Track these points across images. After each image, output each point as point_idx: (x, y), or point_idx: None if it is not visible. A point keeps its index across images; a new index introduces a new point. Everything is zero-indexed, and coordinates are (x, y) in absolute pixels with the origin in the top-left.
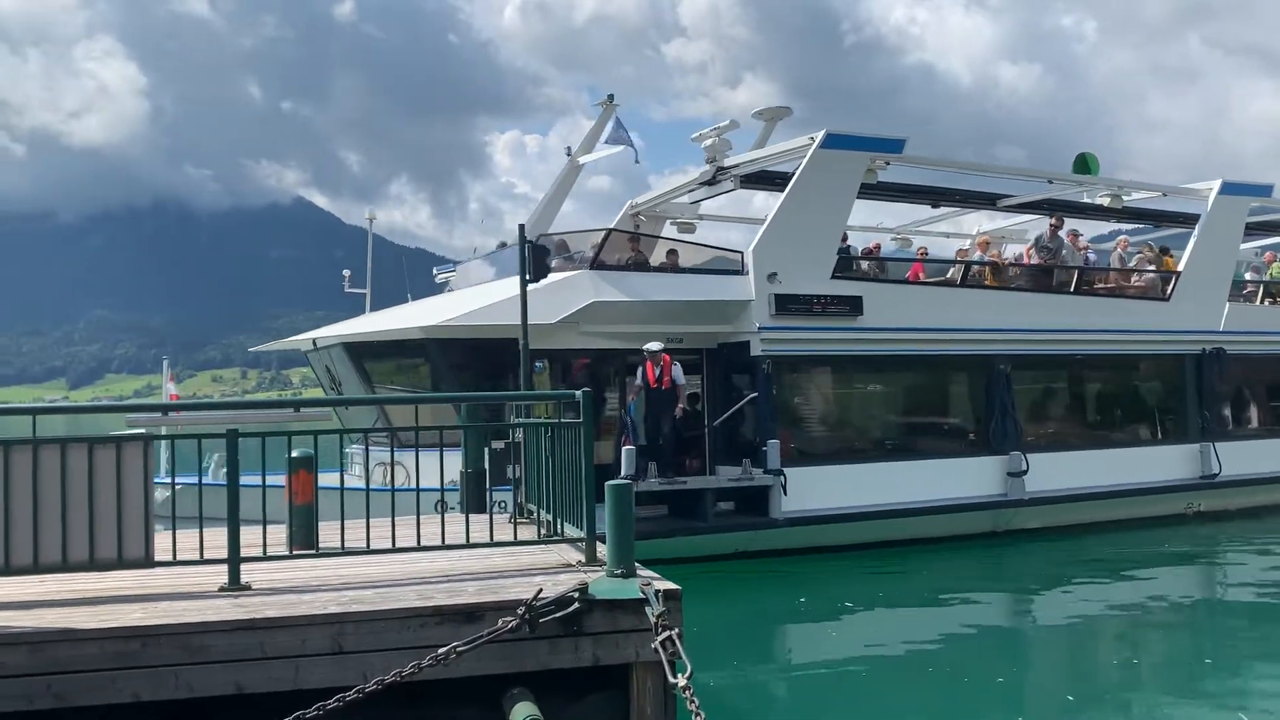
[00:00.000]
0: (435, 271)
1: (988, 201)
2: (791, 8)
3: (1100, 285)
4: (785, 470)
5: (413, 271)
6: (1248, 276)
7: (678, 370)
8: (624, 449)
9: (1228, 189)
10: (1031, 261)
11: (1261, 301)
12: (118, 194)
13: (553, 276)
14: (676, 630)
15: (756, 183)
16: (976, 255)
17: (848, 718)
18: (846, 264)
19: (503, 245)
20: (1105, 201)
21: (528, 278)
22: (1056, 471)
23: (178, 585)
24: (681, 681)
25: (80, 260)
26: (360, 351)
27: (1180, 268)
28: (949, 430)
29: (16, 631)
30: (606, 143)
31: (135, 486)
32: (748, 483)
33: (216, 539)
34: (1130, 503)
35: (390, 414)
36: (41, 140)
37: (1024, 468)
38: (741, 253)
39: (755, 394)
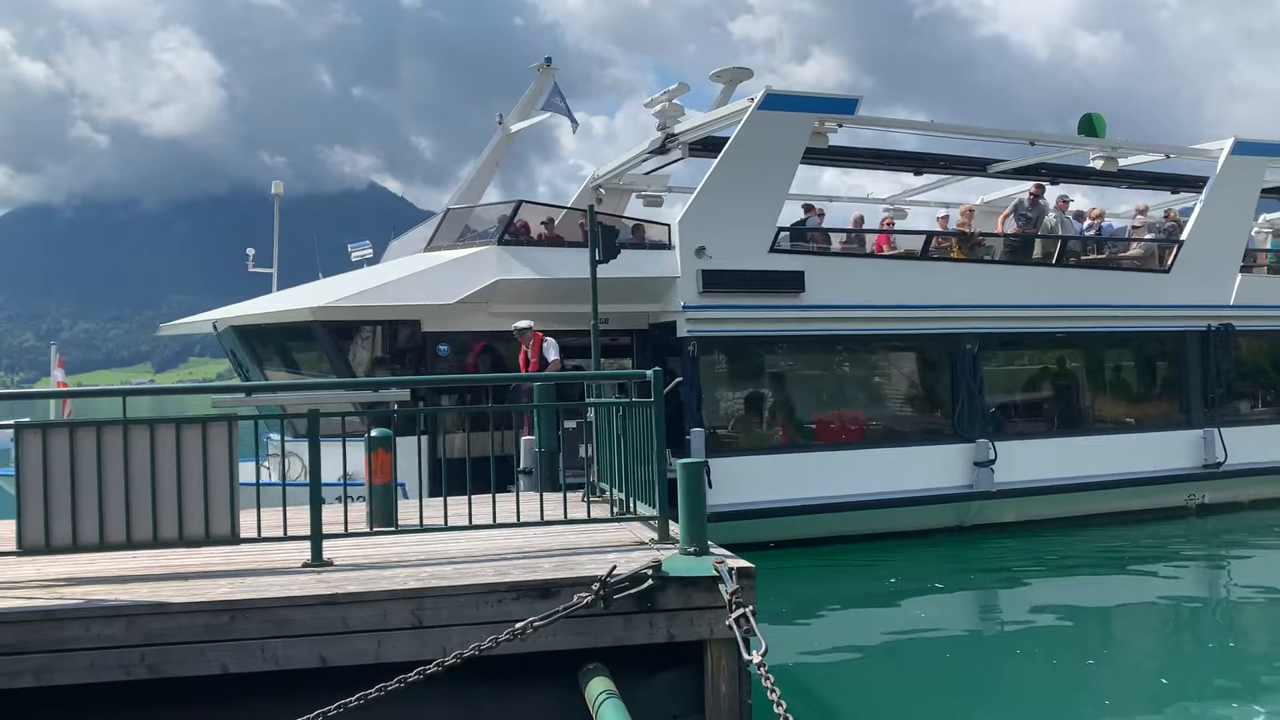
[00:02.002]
0: (350, 249)
1: (978, 167)
2: None
3: (1089, 256)
4: (710, 460)
5: None
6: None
7: (547, 346)
8: (523, 439)
9: (1240, 148)
10: (1007, 230)
11: None
12: (198, 182)
13: (457, 252)
14: (750, 608)
15: (704, 150)
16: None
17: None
18: (801, 238)
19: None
20: (1099, 165)
21: (598, 259)
22: (1032, 461)
23: (263, 562)
24: (756, 659)
25: (163, 247)
26: (249, 334)
27: (1184, 235)
28: (905, 416)
29: (114, 605)
30: (542, 110)
31: (221, 465)
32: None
33: (297, 517)
34: (1120, 494)
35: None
36: (124, 131)
37: (991, 456)
38: (668, 225)
39: (680, 378)
